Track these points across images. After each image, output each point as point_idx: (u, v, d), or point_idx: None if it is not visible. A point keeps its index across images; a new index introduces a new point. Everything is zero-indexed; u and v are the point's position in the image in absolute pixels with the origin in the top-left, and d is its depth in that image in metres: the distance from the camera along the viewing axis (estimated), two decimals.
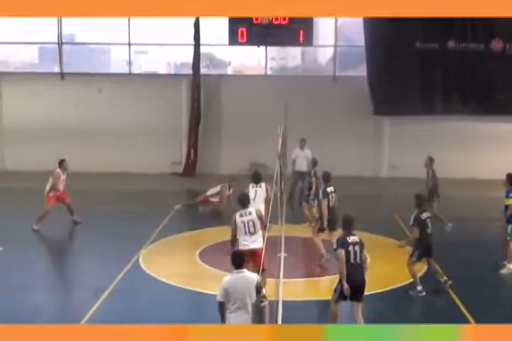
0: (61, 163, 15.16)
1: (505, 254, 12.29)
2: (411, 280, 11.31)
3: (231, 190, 16.45)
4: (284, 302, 8.36)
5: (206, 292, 10.52)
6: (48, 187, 14.94)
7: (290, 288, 10.42)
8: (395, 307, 10.45)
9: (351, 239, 8.98)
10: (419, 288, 10.97)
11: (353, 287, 8.85)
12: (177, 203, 17.25)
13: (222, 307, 7.55)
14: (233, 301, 7.43)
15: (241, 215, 10.22)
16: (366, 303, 10.71)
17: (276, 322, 7.75)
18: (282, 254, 11.59)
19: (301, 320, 9.56)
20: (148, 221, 15.71)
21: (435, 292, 11.06)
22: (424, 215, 11.03)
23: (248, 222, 10.16)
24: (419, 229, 10.84)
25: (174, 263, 12.55)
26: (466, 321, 9.61)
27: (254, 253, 9.83)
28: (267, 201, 11.89)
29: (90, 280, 11.92)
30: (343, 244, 8.94)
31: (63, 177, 15.08)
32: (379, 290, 11.00)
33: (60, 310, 10.24)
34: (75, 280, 11.79)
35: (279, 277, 9.58)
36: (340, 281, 8.89)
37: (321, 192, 12.63)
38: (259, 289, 7.40)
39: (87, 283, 11.55)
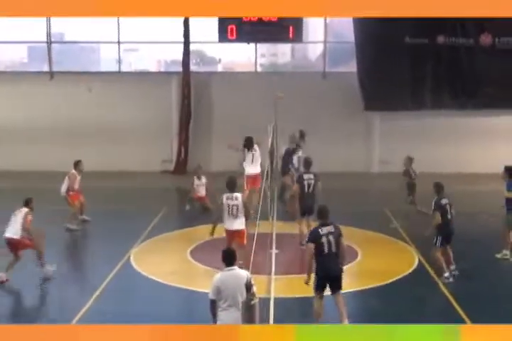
0: (77, 164, 15.33)
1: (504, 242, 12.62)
2: (402, 275, 11.35)
3: (203, 179, 16.95)
4: (275, 299, 8.38)
5: (198, 290, 10.51)
6: (63, 189, 15.08)
7: (282, 285, 10.42)
8: (387, 302, 10.44)
9: (324, 230, 9.04)
10: (447, 274, 11.22)
11: (328, 277, 8.99)
12: (169, 202, 17.20)
13: (213, 305, 7.53)
14: (224, 299, 7.43)
15: (227, 198, 11.05)
16: (358, 299, 10.79)
17: (267, 319, 7.77)
18: (273, 251, 11.59)
19: (293, 317, 9.59)
20: (139, 219, 15.68)
21: (428, 286, 11.09)
22: (443, 201, 11.41)
23: (233, 206, 11.02)
24: (440, 214, 11.21)
25: (165, 262, 12.52)
26: (458, 316, 9.63)
27: (235, 234, 11.05)
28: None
29: (81, 280, 11.91)
30: (314, 237, 9.04)
31: (79, 177, 15.26)
32: (370, 286, 11.02)
33: (50, 310, 10.20)
34: (66, 280, 11.72)
35: (270, 274, 9.59)
36: (316, 273, 9.00)
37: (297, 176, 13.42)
38: (249, 287, 7.40)
39: (77, 283, 11.52)
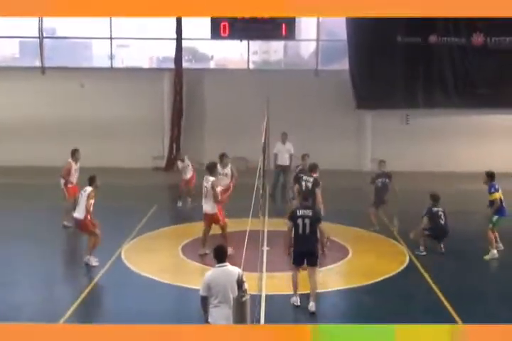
0: (73, 153, 14.91)
1: (489, 241, 12.67)
2: (393, 273, 11.46)
3: (186, 161, 17.09)
4: (267, 296, 8.40)
5: (189, 286, 10.50)
6: (62, 181, 14.71)
7: (273, 282, 10.44)
8: (377, 300, 10.46)
9: (301, 212, 9.79)
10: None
11: (301, 252, 9.77)
12: (160, 199, 17.12)
13: (204, 301, 7.52)
14: (215, 295, 7.41)
15: (204, 180, 12.09)
16: (348, 297, 10.82)
17: (258, 316, 7.79)
18: (265, 248, 11.63)
19: (284, 314, 9.61)
20: (130, 216, 15.65)
21: (418, 285, 11.13)
22: (435, 209, 12.88)
23: (204, 188, 12.03)
24: (428, 218, 12.76)
25: (157, 259, 12.49)
26: (448, 314, 9.68)
27: (207, 217, 12.18)
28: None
29: (72, 277, 11.86)
30: (291, 216, 9.85)
31: (75, 166, 14.83)
32: (362, 284, 11.04)
33: (40, 307, 10.16)
34: (56, 277, 11.69)
35: (261, 271, 9.61)
36: (293, 250, 9.84)
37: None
38: (240, 284, 7.39)
39: (68, 280, 11.49)
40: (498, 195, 12.48)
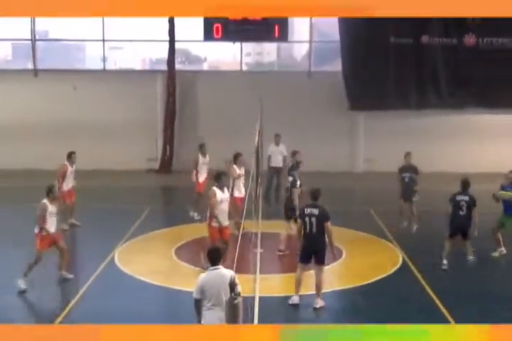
0: (69, 156, 14.63)
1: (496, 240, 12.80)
2: (386, 274, 11.47)
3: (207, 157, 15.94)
4: (260, 298, 8.40)
5: (182, 289, 10.50)
6: (57, 181, 14.18)
7: (266, 284, 10.45)
8: (372, 301, 10.48)
9: (308, 210, 9.89)
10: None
11: (308, 251, 9.93)
12: (154, 201, 17.04)
13: (198, 304, 7.53)
14: (209, 298, 7.43)
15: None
16: (343, 298, 10.84)
17: (251, 318, 7.79)
18: (258, 250, 11.62)
19: (277, 316, 9.62)
20: (123, 218, 15.63)
21: (411, 285, 11.16)
22: (459, 197, 11.85)
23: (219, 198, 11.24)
24: (452, 207, 11.81)
25: (150, 261, 12.48)
26: (442, 315, 9.71)
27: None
28: None
29: (65, 279, 11.83)
30: (300, 214, 10.07)
31: (71, 169, 14.52)
32: (355, 285, 11.06)
33: (34, 309, 10.16)
34: (50, 280, 11.66)
35: (255, 273, 9.61)
36: (301, 246, 10.02)
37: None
38: (232, 286, 7.41)
39: (61, 282, 11.45)
40: None
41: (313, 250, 9.94)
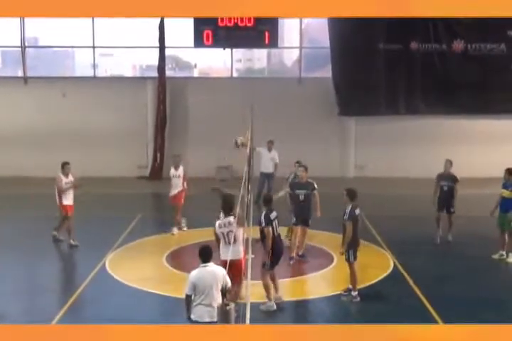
0: (63, 167, 14.15)
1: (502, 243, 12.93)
2: (377, 279, 11.53)
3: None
4: (251, 304, 8.38)
5: (173, 295, 10.49)
6: (57, 194, 13.98)
7: (258, 290, 10.44)
8: (362, 306, 10.50)
9: (273, 215, 10.33)
10: None
11: (277, 255, 10.36)
12: (145, 208, 16.97)
13: (188, 300, 7.64)
14: (199, 294, 7.54)
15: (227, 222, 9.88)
16: (333, 303, 10.83)
17: (243, 323, 7.79)
18: (250, 256, 11.59)
19: (268, 321, 9.61)
20: (114, 225, 15.60)
21: (402, 290, 11.18)
22: (442, 182, 13.39)
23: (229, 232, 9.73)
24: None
25: (141, 268, 12.47)
26: (433, 319, 9.73)
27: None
28: None
29: (56, 286, 11.80)
30: (269, 221, 10.24)
31: (65, 179, 13.99)
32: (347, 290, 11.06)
33: (24, 317, 10.09)
34: (40, 287, 11.61)
35: (246, 279, 9.59)
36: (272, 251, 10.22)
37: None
38: (225, 293, 7.43)
39: (52, 289, 11.42)
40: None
41: (281, 254, 10.61)
